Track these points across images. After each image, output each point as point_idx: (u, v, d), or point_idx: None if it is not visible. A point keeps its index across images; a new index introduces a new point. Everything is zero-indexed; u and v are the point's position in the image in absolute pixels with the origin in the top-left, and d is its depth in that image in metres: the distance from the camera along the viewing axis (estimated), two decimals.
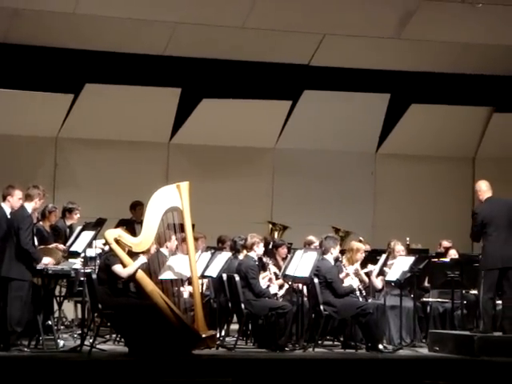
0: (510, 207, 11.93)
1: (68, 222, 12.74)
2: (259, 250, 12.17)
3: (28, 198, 11.10)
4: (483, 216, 11.86)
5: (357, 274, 12.45)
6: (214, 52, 15.67)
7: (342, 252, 12.78)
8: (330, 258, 12.28)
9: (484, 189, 12.00)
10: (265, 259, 12.40)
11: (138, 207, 13.31)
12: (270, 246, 13.60)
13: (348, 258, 12.55)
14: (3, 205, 11.15)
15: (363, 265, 12.76)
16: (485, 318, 11.82)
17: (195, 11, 14.63)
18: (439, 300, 13.08)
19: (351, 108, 16.51)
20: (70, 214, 12.75)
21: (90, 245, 11.76)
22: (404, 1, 14.81)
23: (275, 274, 12.39)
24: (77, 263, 11.64)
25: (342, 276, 12.26)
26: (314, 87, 16.33)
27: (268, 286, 12.18)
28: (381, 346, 12.02)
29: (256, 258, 12.11)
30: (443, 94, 16.65)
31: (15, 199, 11.08)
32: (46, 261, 11.16)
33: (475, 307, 12.30)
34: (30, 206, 11.08)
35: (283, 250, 13.05)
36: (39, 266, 11.07)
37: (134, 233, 11.38)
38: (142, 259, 11.01)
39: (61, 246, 11.91)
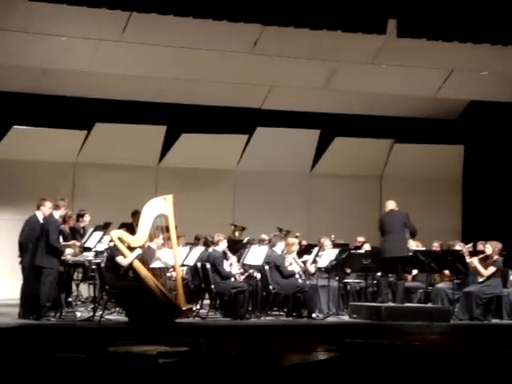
0: (399, 217, 12.15)
1: (81, 224, 12.65)
2: (223, 244, 12.20)
3: (56, 207, 11.14)
4: (381, 222, 12.18)
5: (295, 261, 12.49)
6: (192, 99, 15.61)
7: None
8: (277, 249, 12.39)
9: (388, 206, 12.35)
10: (227, 251, 12.34)
11: (136, 214, 13.16)
12: (245, 241, 13.48)
13: (287, 250, 12.57)
14: (37, 213, 11.19)
15: (300, 255, 12.79)
16: (382, 291, 12.06)
17: (178, 68, 14.55)
18: (356, 281, 13.15)
19: (293, 140, 16.47)
20: (82, 217, 12.70)
21: (99, 241, 11.84)
22: (329, 62, 14.78)
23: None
24: (90, 255, 11.63)
25: (287, 264, 12.31)
26: (264, 125, 16.33)
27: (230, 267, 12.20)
28: (314, 315, 12.11)
29: (221, 251, 12.13)
30: (360, 130, 16.66)
31: (46, 208, 11.13)
32: (69, 251, 11.19)
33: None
34: (57, 214, 11.13)
35: None
36: (63, 257, 11.11)
37: (133, 233, 11.34)
38: (137, 251, 11.01)
39: (77, 243, 11.93)
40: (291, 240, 12.80)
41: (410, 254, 12.42)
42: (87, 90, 14.97)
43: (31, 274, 10.96)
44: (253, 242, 13.00)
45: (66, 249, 11.20)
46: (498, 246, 12.37)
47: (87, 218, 12.70)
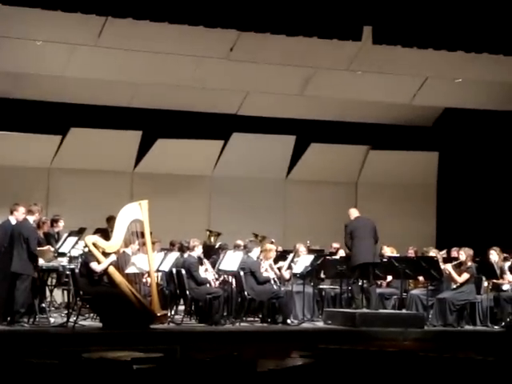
0: (368, 223, 12.25)
1: (56, 230, 12.57)
2: (199, 250, 12.17)
3: (30, 212, 11.09)
4: (351, 229, 12.16)
5: (271, 268, 12.50)
6: (168, 104, 15.59)
7: (261, 251, 12.71)
8: (253, 255, 12.35)
9: (354, 213, 12.37)
10: (202, 257, 12.35)
11: (111, 220, 13.11)
12: (217, 246, 13.57)
13: (264, 256, 12.58)
14: (10, 218, 11.13)
15: (276, 261, 12.76)
16: (355, 298, 12.10)
17: (154, 73, 14.50)
18: (331, 287, 13.18)
19: (269, 146, 16.48)
20: (56, 223, 12.63)
21: (74, 247, 11.79)
22: (304, 68, 14.76)
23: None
24: (64, 261, 11.59)
25: (262, 270, 12.28)
26: (240, 130, 16.32)
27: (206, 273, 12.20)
28: (289, 321, 12.10)
29: (196, 257, 12.11)
30: (335, 136, 16.69)
31: (19, 213, 11.07)
32: (41, 261, 11.15)
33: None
34: (31, 219, 11.08)
35: None
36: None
37: (108, 238, 11.25)
38: (112, 257, 10.97)
39: (51, 248, 11.83)
40: (269, 246, 12.81)
41: (385, 259, 12.51)
42: (62, 95, 14.91)
43: (3, 279, 10.89)
44: (225, 247, 12.99)
45: (39, 254, 11.14)
46: (470, 252, 12.48)
47: (61, 224, 12.64)
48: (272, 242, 13.43)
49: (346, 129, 16.71)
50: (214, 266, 12.38)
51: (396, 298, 12.78)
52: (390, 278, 13.05)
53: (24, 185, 15.04)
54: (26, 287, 10.75)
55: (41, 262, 11.15)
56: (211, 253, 13.10)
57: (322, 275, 13.07)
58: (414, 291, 12.73)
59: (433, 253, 12.95)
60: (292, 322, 12.16)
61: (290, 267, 12.74)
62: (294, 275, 12.68)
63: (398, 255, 13.16)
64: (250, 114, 16.11)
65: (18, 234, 10.86)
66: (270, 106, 15.95)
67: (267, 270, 12.39)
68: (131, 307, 10.79)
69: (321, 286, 13.15)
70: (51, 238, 12.24)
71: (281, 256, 13.14)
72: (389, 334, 11.34)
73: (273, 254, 12.61)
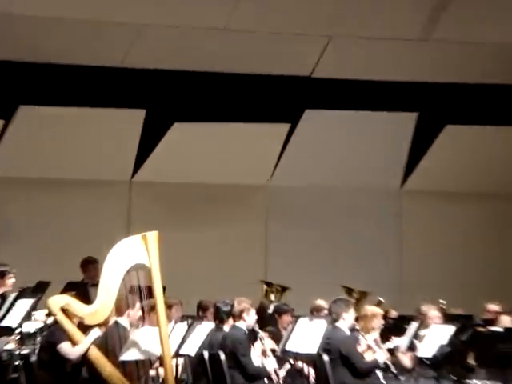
0: None
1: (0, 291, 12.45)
2: (250, 318, 11.98)
3: None
4: None
5: (377, 345, 12.26)
6: (187, 62, 15.80)
7: (356, 319, 12.62)
8: (342, 325, 12.15)
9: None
10: (257, 330, 12.17)
11: (91, 265, 13.22)
12: (270, 311, 13.79)
13: (361, 328, 12.36)
14: None
15: (385, 336, 12.59)
16: None
17: (164, 10, 14.81)
18: (488, 382, 12.80)
19: (366, 132, 16.74)
20: (1, 279, 12.48)
21: (27, 317, 11.53)
22: None
23: (272, 350, 12.20)
24: (10, 342, 11.47)
25: (361, 350, 12.05)
26: (317, 106, 16.48)
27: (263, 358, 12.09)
28: None
29: (246, 330, 11.89)
30: (486, 112, 16.81)
31: None
32: None
33: None
34: None
35: (288, 318, 13.08)
36: None
37: (87, 299, 11.13)
38: (96, 333, 10.83)
39: None
40: (371, 309, 12.64)
41: None
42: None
43: None
44: (284, 310, 13.52)
45: None
46: None
47: (10, 281, 12.48)
48: (380, 302, 13.57)
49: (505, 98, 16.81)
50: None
51: None
52: None
53: None
54: None
55: None
56: (266, 322, 13.40)
57: (472, 361, 12.78)
58: None
59: None
60: None
61: (412, 347, 12.48)
62: (421, 361, 12.41)
63: None
64: (333, 76, 16.51)
65: None
66: (369, 62, 16.30)
67: (372, 348, 12.13)
68: None
69: (469, 381, 12.74)
70: None
71: (395, 327, 13.10)
72: None
73: (377, 323, 12.41)
